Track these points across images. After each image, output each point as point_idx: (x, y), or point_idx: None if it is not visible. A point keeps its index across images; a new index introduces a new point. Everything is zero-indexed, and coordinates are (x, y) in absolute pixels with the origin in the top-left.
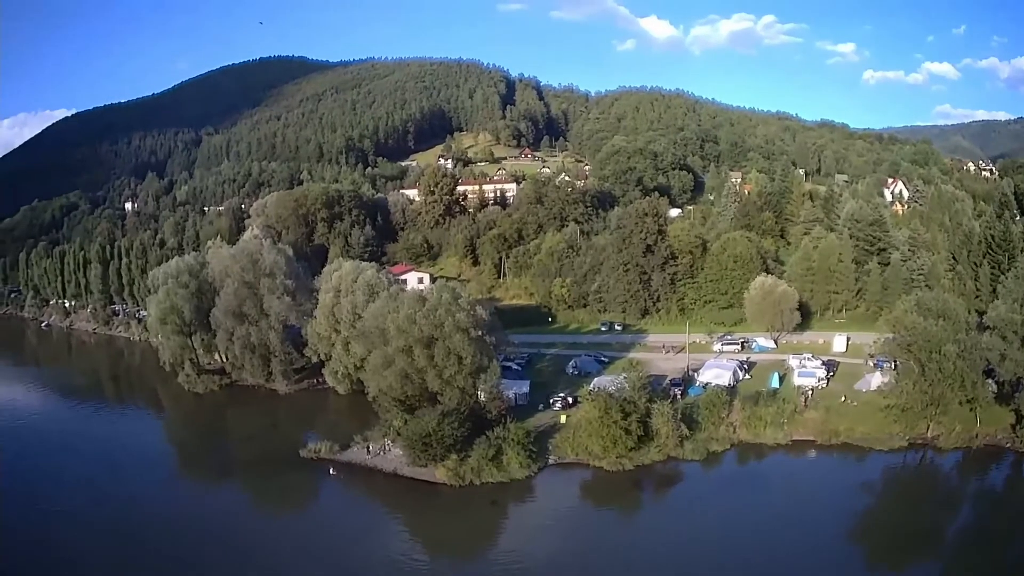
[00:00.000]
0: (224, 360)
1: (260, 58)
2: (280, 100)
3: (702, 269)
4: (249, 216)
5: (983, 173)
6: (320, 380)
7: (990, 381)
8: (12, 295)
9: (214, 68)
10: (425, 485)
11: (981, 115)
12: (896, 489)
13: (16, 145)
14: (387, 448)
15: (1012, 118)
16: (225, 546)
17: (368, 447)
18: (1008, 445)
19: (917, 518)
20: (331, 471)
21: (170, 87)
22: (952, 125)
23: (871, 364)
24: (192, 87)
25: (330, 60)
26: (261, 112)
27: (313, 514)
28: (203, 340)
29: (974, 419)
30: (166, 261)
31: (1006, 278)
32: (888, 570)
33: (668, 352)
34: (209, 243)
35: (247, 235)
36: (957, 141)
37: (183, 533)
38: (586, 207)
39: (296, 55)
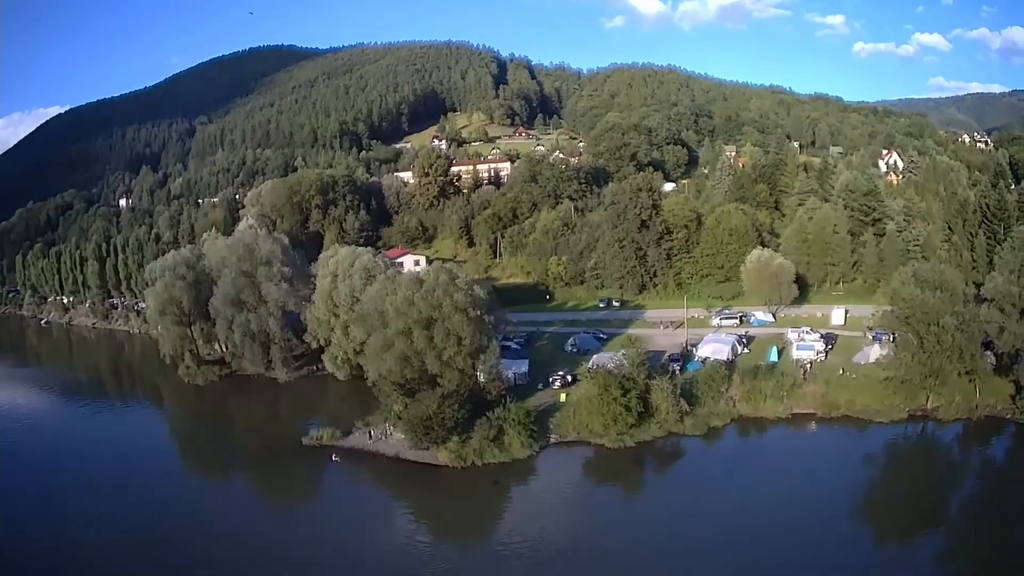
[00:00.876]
0: (224, 350)
1: (250, 48)
2: (273, 88)
3: (698, 243)
4: (244, 206)
5: (978, 145)
6: (319, 367)
7: (988, 353)
8: (11, 295)
9: (205, 60)
10: (428, 468)
11: (976, 87)
12: (899, 461)
13: (11, 145)
14: (389, 432)
15: (1007, 91)
16: (233, 539)
17: (370, 432)
18: (1009, 416)
19: (922, 491)
20: (334, 457)
21: (163, 80)
22: (947, 98)
23: (870, 337)
24: (185, 79)
25: (320, 47)
26: (254, 100)
27: (319, 502)
28: (202, 330)
29: (973, 391)
30: (162, 256)
31: (1002, 248)
32: (896, 546)
33: (666, 328)
34: (205, 235)
35: (242, 225)
36: (952, 114)
37: (192, 528)
38: (580, 184)
39: (286, 44)
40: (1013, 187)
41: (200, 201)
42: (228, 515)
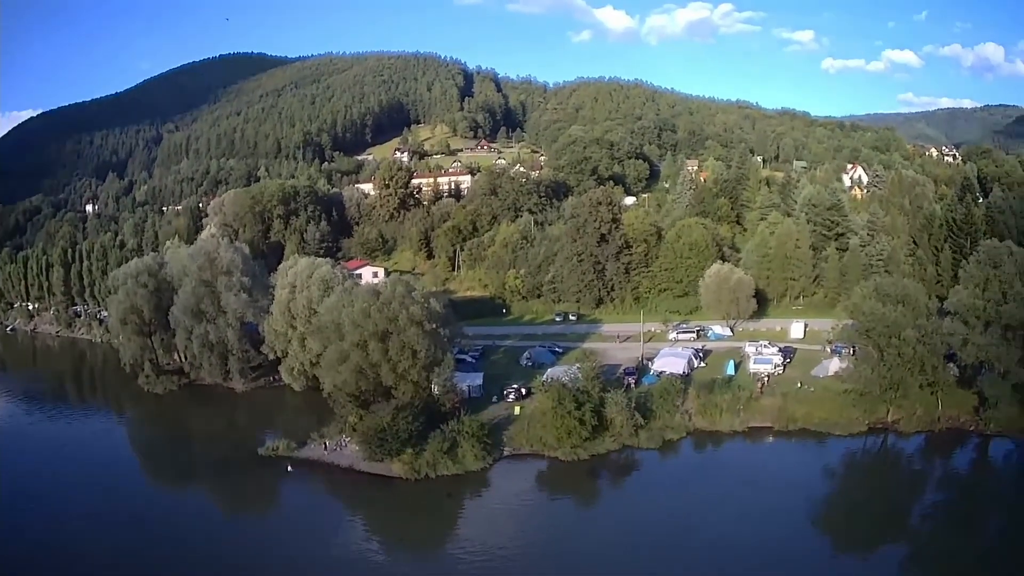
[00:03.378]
0: (183, 360)
1: (221, 55)
2: (240, 96)
3: (657, 257)
4: (207, 215)
5: (946, 159)
6: (276, 378)
7: (951, 365)
8: None
9: (177, 66)
10: (382, 480)
11: (946, 103)
12: (859, 473)
13: None
14: (343, 444)
15: (979, 105)
16: (190, 548)
17: (325, 443)
18: (972, 428)
19: (883, 502)
20: (289, 468)
21: (133, 85)
22: (917, 113)
23: (828, 350)
24: (155, 84)
25: (289, 56)
26: (221, 108)
27: (274, 512)
28: (162, 340)
29: (936, 403)
30: (126, 262)
31: (967, 262)
32: (857, 558)
33: (622, 341)
34: (168, 243)
35: (204, 234)
36: (921, 128)
37: (149, 537)
38: (540, 197)
39: (256, 52)
40: (981, 200)
41: (164, 209)
42: (185, 524)
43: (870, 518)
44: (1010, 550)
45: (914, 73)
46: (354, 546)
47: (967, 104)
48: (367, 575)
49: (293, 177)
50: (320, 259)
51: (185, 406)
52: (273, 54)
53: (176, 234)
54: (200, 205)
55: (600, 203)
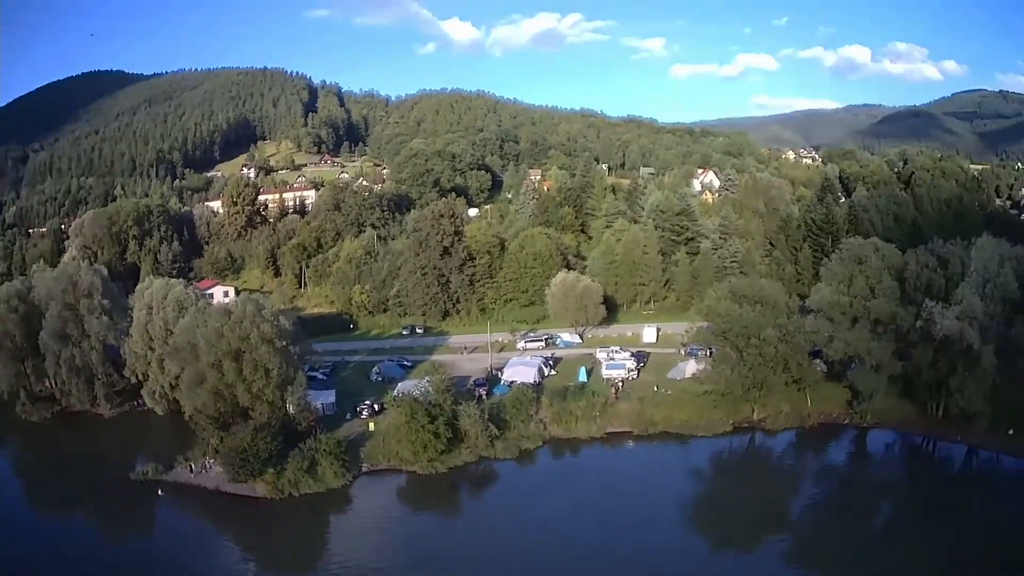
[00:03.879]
0: (53, 386)
1: (83, 72)
2: (99, 114)
3: (501, 268)
4: (68, 237)
5: (804, 161)
6: (140, 402)
7: (818, 361)
8: None
9: (44, 84)
10: (248, 500)
11: (803, 104)
12: (728, 472)
13: None
14: (208, 466)
15: (840, 106)
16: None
17: (191, 466)
18: (847, 422)
19: (758, 499)
20: (159, 492)
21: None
22: (772, 116)
23: (684, 353)
24: (21, 104)
25: (145, 73)
26: (82, 127)
27: (149, 537)
28: (34, 365)
29: (804, 399)
30: None
31: (829, 261)
32: (737, 555)
33: (469, 352)
34: (34, 267)
35: (66, 257)
36: (777, 131)
37: (31, 566)
38: (383, 211)
39: (116, 68)
40: (844, 200)
41: (30, 231)
42: (66, 551)
43: (746, 515)
44: (895, 536)
45: (770, 76)
46: (232, 568)
47: (828, 105)
48: None
49: (147, 196)
50: (173, 280)
51: (60, 433)
52: (132, 71)
53: (41, 257)
54: (63, 227)
55: (442, 215)
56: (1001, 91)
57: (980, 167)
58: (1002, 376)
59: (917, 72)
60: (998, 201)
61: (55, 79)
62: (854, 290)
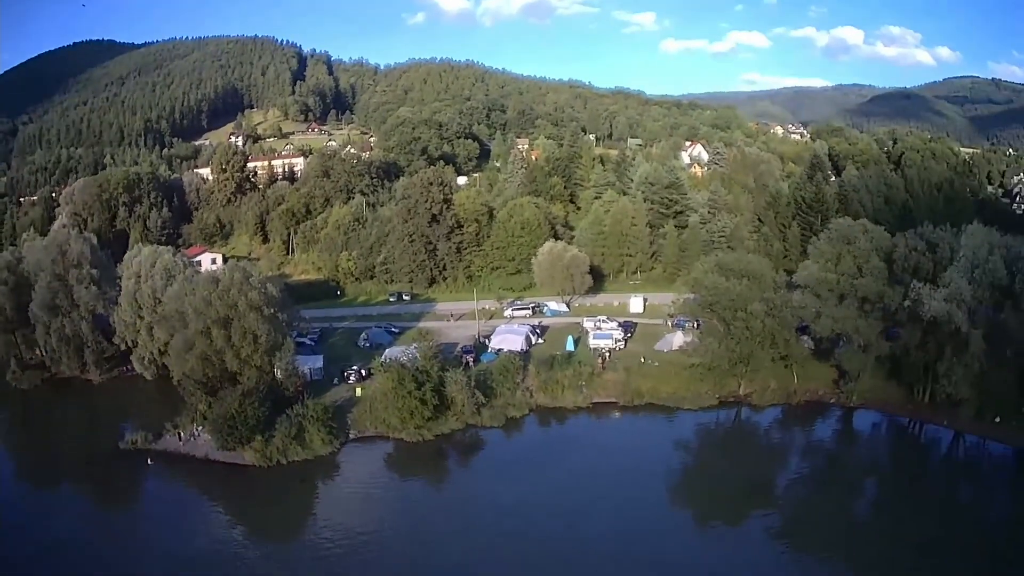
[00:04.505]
0: (44, 354)
1: (74, 43)
2: (88, 85)
3: (488, 236)
4: (59, 205)
5: (792, 136)
6: (129, 367)
7: (806, 338)
8: None
9: (34, 55)
10: (237, 468)
11: (792, 82)
12: (714, 446)
13: None
14: (197, 434)
15: (830, 85)
16: (62, 544)
17: (179, 434)
18: (833, 400)
19: (745, 473)
20: (148, 461)
21: None
22: (761, 91)
23: (671, 324)
24: (12, 75)
25: (136, 42)
26: (70, 98)
27: (140, 507)
28: (24, 336)
29: (791, 376)
30: None
31: (817, 239)
32: (725, 527)
33: (457, 320)
34: (24, 236)
35: (56, 224)
36: (765, 107)
37: (22, 536)
38: (372, 179)
39: (106, 38)
40: (833, 179)
41: (21, 200)
42: (55, 521)
43: (731, 489)
44: (879, 516)
45: (761, 54)
46: (220, 536)
47: (817, 84)
48: (235, 563)
49: (136, 164)
50: (162, 248)
51: (50, 400)
52: (122, 40)
53: (32, 225)
54: (53, 195)
55: (432, 183)
56: (993, 79)
57: (971, 151)
58: (989, 363)
59: (910, 56)
60: (990, 188)
61: (47, 50)
62: (841, 268)
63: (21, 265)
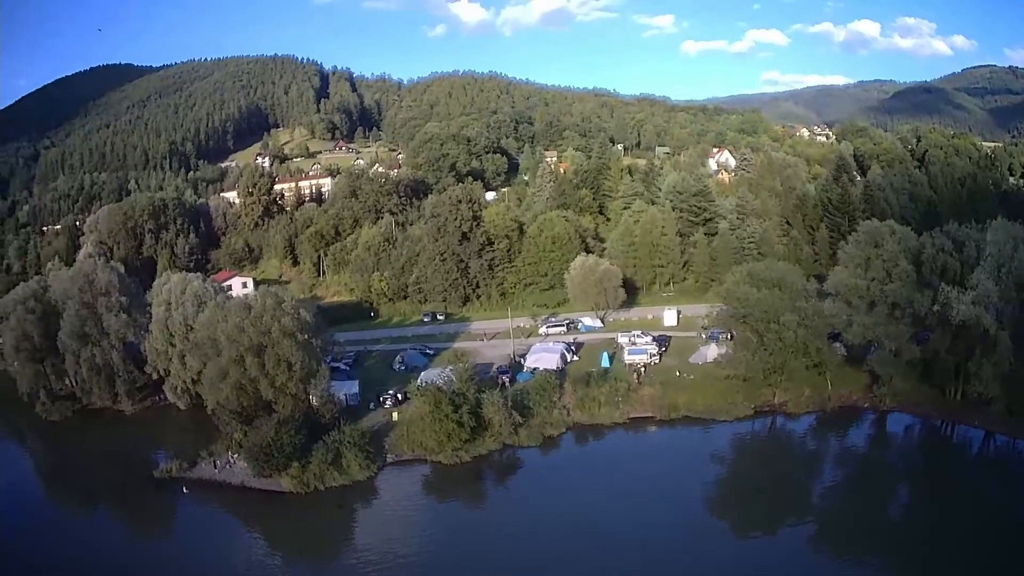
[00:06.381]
0: (74, 384)
1: (91, 67)
2: (108, 108)
3: (520, 252)
4: (84, 233)
5: (819, 138)
6: (162, 397)
7: (838, 345)
8: None
9: (50, 80)
10: (273, 495)
11: (814, 80)
12: (750, 456)
13: None
14: (232, 462)
15: (851, 82)
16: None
17: (215, 462)
18: (866, 405)
19: (781, 482)
20: (184, 489)
21: (11, 103)
22: (783, 92)
23: (705, 337)
24: (30, 100)
25: (154, 65)
26: (92, 121)
27: (176, 534)
28: (53, 365)
29: (825, 383)
30: (14, 288)
31: (846, 243)
32: (761, 539)
33: (491, 339)
34: (49, 265)
35: (81, 254)
36: (788, 108)
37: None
38: (400, 197)
39: (124, 62)
40: (858, 179)
41: (44, 229)
42: (93, 549)
43: (769, 498)
44: (917, 520)
45: (780, 52)
46: (257, 562)
47: (839, 81)
48: None
49: (161, 189)
50: (191, 274)
51: (82, 431)
52: (140, 63)
53: (56, 255)
54: (77, 223)
55: (460, 201)
56: (1011, 67)
57: (992, 145)
58: (1018, 360)
59: (927, 46)
60: (1012, 180)
61: (63, 75)
62: (871, 273)
63: (48, 294)
